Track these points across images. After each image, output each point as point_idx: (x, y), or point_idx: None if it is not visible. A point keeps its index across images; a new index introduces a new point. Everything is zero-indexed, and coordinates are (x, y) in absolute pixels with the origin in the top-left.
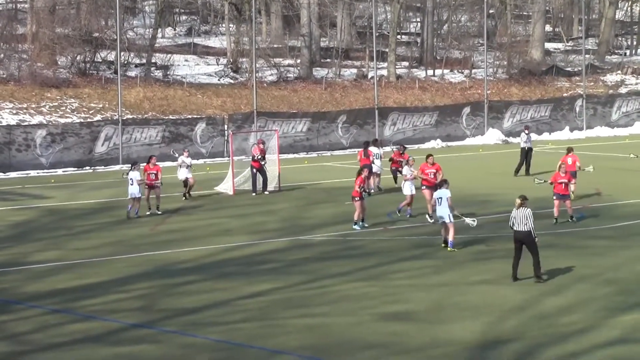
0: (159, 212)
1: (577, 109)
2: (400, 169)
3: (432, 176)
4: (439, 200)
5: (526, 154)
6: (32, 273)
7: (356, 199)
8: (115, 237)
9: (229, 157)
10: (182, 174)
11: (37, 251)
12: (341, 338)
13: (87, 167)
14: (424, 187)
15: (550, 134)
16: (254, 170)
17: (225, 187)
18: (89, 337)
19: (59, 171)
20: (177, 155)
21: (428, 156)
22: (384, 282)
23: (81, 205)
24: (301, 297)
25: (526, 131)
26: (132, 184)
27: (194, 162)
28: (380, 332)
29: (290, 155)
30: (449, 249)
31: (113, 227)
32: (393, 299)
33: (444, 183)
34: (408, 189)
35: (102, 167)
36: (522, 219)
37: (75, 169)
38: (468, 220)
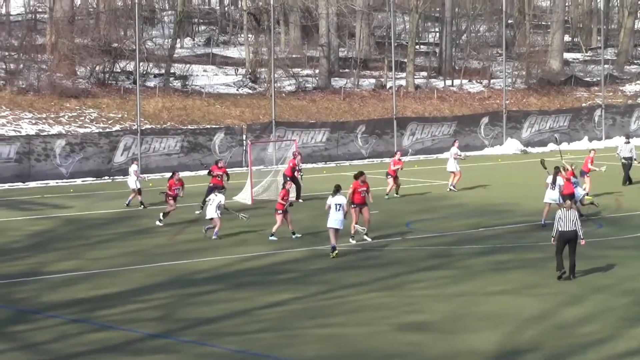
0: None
1: (596, 119)
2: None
3: (363, 195)
4: (338, 206)
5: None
6: (50, 283)
7: (279, 211)
8: (133, 247)
9: (247, 166)
10: (132, 182)
11: (55, 261)
12: (359, 348)
13: (106, 177)
14: (354, 206)
15: (569, 144)
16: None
17: (244, 196)
18: (107, 347)
19: (78, 181)
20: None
21: (360, 174)
22: (402, 292)
23: (100, 215)
24: (319, 307)
25: (626, 140)
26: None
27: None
28: (398, 343)
29: (309, 165)
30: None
31: (131, 237)
32: (410, 309)
33: (338, 190)
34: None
35: (121, 177)
36: (570, 220)
37: (94, 178)
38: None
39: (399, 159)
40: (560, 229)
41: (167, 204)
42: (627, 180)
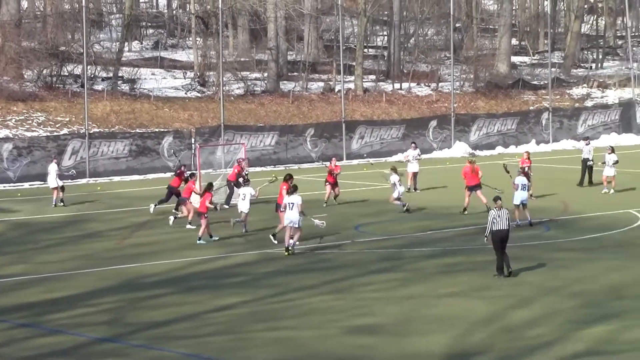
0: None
1: (544, 122)
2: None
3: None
4: (291, 205)
5: (587, 165)
6: None
7: (205, 215)
8: (83, 250)
9: (196, 170)
10: (53, 181)
11: (4, 265)
12: (309, 351)
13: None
14: (283, 209)
15: (516, 147)
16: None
17: (193, 199)
18: (57, 351)
19: (26, 185)
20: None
21: (290, 177)
22: (352, 295)
23: (48, 219)
24: (269, 311)
25: (586, 142)
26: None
27: (162, 175)
28: (348, 346)
29: (258, 169)
30: (288, 252)
31: (80, 241)
32: (360, 312)
33: (296, 189)
34: None
35: (69, 180)
36: (503, 219)
37: (42, 182)
38: (317, 222)
39: (336, 165)
40: (495, 229)
41: (185, 207)
42: (589, 181)
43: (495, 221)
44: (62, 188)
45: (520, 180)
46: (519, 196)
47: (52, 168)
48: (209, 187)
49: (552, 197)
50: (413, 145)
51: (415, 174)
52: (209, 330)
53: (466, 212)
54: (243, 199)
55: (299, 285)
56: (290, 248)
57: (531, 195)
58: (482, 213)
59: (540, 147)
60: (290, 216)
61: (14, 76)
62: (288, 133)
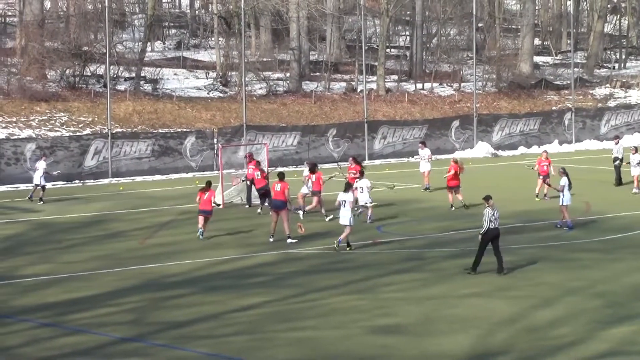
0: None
1: (566, 123)
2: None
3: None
4: (343, 202)
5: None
6: (21, 287)
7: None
8: (105, 250)
9: (218, 170)
10: (37, 178)
11: (26, 265)
12: (330, 351)
13: (77, 181)
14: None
15: (539, 147)
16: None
17: (215, 200)
18: (79, 350)
19: (49, 185)
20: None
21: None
22: (373, 295)
23: (70, 218)
24: (290, 311)
25: (616, 141)
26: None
27: (185, 175)
28: (370, 345)
29: (280, 169)
30: (338, 247)
31: (102, 241)
32: (382, 312)
33: (349, 187)
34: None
35: (92, 180)
36: (496, 218)
37: (65, 182)
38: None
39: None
40: (491, 227)
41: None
42: (618, 180)
43: (491, 219)
44: (43, 188)
45: (564, 181)
46: (567, 197)
47: (41, 165)
48: (209, 185)
49: (574, 198)
50: (420, 145)
51: (427, 173)
52: (230, 330)
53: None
54: (361, 191)
55: (320, 285)
56: (339, 244)
57: (545, 196)
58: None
59: (562, 148)
60: (343, 213)
61: (37, 76)
62: (310, 133)
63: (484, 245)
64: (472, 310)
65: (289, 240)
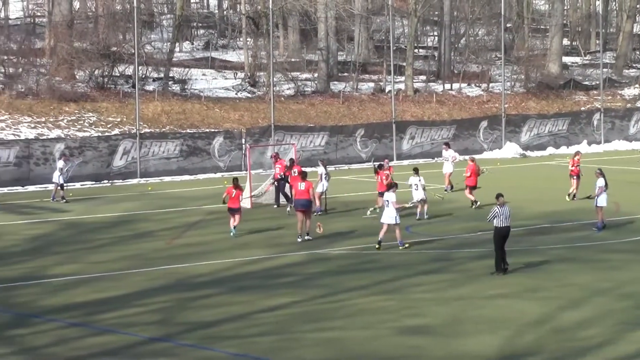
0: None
1: (595, 123)
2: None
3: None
4: (387, 202)
5: None
6: (50, 287)
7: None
8: (133, 250)
9: (246, 170)
10: (56, 177)
11: (54, 265)
12: (358, 352)
13: (105, 181)
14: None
15: (567, 147)
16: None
17: (243, 200)
18: (107, 350)
19: (77, 185)
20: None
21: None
22: (401, 296)
23: (99, 218)
24: (318, 311)
25: None
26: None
27: (213, 175)
28: (398, 346)
29: (308, 169)
30: (401, 248)
31: (130, 241)
32: (410, 313)
33: (392, 187)
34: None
35: (120, 180)
36: (505, 216)
37: (93, 182)
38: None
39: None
40: (498, 225)
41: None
42: None
43: (498, 217)
44: (61, 186)
45: (601, 182)
46: (603, 198)
47: (59, 165)
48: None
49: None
50: (444, 146)
51: (448, 175)
52: (258, 330)
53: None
54: (416, 189)
55: (348, 286)
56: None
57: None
58: (533, 214)
59: (591, 148)
60: (388, 213)
61: (65, 77)
62: (338, 133)
63: (498, 244)
64: (500, 311)
65: (306, 237)
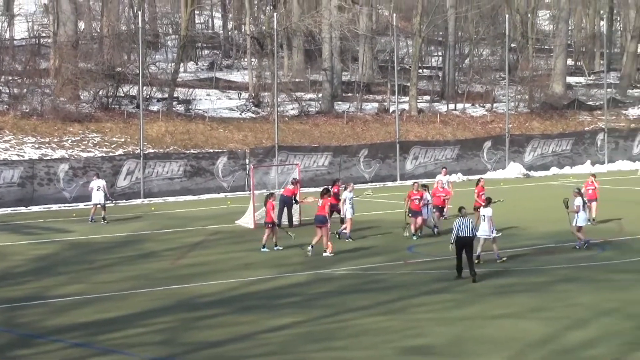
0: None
1: (599, 143)
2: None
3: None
4: (484, 217)
5: None
6: (53, 307)
7: (269, 224)
8: (137, 271)
9: (250, 191)
10: (97, 197)
11: (58, 285)
12: None
13: (109, 201)
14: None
15: (571, 167)
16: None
17: (246, 220)
18: None
19: (81, 205)
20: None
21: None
22: (405, 316)
23: (103, 239)
24: (322, 331)
25: None
26: (97, 191)
27: (216, 196)
28: None
29: (312, 189)
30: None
31: (135, 261)
32: (414, 333)
33: (489, 202)
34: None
35: (124, 201)
36: (467, 226)
37: (97, 202)
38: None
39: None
40: (459, 235)
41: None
42: None
43: (460, 228)
44: (104, 207)
45: (579, 201)
46: (582, 217)
47: (99, 183)
48: (268, 198)
49: (608, 218)
50: (443, 170)
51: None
52: (262, 351)
53: None
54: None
55: (352, 306)
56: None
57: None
58: (537, 234)
59: (595, 168)
60: (483, 227)
61: (70, 97)
62: (342, 154)
63: (458, 252)
64: (504, 331)
65: (324, 254)
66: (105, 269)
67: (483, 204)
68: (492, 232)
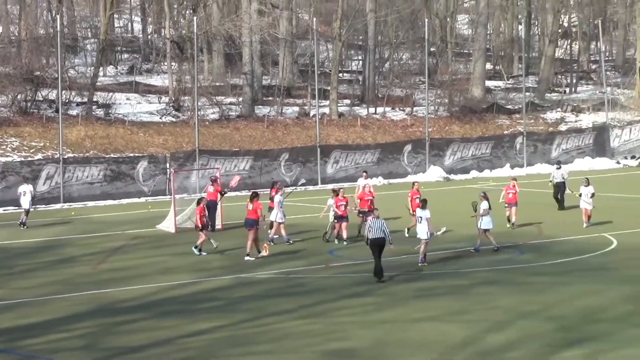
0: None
1: (518, 146)
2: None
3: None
4: (419, 219)
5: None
6: None
7: (199, 228)
8: (57, 276)
9: (170, 195)
10: (23, 202)
11: None
12: None
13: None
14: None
15: (491, 171)
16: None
17: (167, 225)
18: None
19: (0, 210)
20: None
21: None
22: (327, 320)
23: (22, 244)
24: (244, 335)
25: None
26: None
27: (137, 200)
28: None
29: (233, 194)
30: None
31: (55, 266)
32: (336, 336)
33: (425, 203)
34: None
35: (44, 205)
36: (378, 228)
37: (16, 207)
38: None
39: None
40: (371, 237)
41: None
42: (561, 205)
43: (370, 229)
44: (27, 212)
45: (485, 205)
46: (486, 221)
47: (27, 188)
48: (199, 202)
49: (527, 221)
50: (364, 174)
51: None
52: (184, 355)
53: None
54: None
55: (274, 310)
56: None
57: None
58: (458, 237)
59: (514, 172)
60: (422, 229)
61: None
62: (263, 157)
63: (374, 253)
64: (425, 334)
65: (245, 258)
66: (25, 274)
67: (419, 207)
68: (429, 234)
